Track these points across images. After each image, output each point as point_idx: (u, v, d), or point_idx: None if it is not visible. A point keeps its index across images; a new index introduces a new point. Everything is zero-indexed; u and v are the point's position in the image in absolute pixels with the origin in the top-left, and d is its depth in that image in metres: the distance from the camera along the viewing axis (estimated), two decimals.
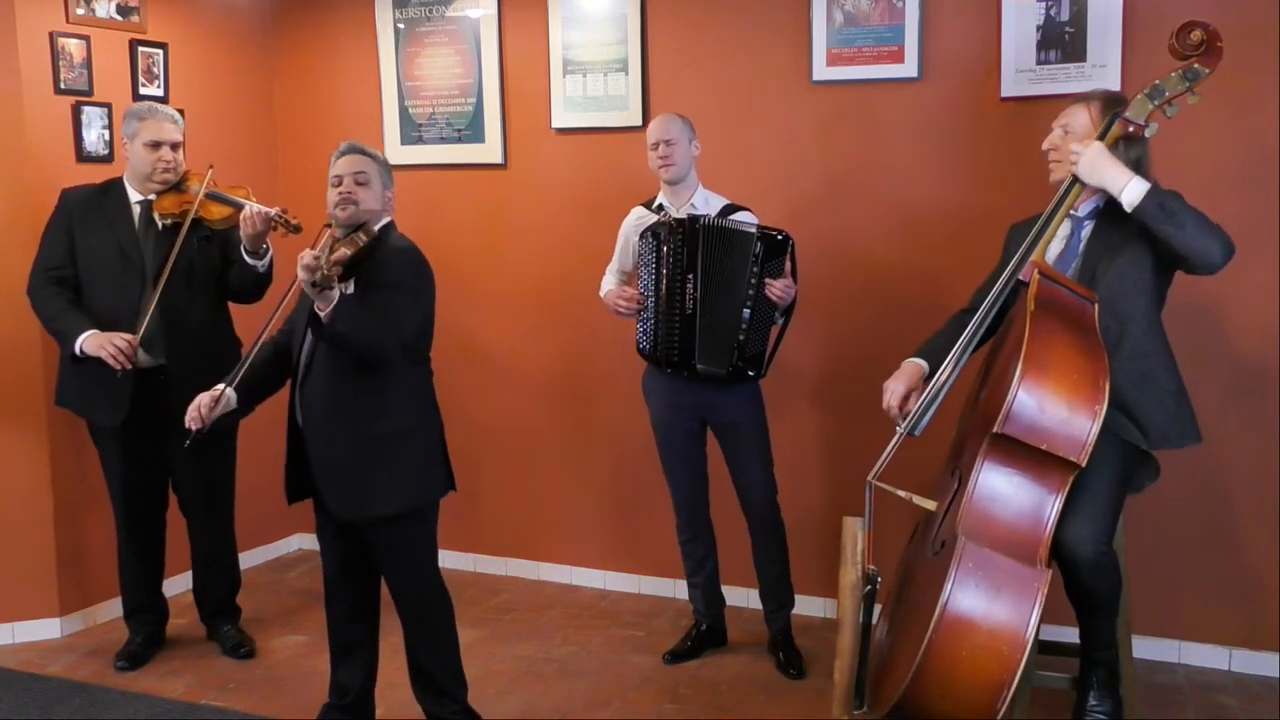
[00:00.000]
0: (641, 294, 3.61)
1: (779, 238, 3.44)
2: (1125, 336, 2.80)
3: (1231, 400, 3.57)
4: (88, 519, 4.12)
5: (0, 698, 3.58)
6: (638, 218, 3.71)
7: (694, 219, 3.50)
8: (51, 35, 3.98)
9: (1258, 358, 3.55)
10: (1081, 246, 2.88)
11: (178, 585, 4.25)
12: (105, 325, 3.55)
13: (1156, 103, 2.79)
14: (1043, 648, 3.11)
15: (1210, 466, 3.59)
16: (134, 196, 3.68)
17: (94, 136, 4.12)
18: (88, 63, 4.09)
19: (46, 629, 4.04)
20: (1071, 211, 2.86)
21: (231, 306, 3.86)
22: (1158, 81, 2.81)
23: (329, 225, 3.00)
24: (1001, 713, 2.47)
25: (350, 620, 3.14)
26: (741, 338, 3.46)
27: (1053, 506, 2.60)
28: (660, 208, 3.62)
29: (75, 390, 3.70)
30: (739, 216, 3.54)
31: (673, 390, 3.64)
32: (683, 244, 3.49)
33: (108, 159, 4.15)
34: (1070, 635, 3.01)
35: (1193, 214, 2.69)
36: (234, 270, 3.69)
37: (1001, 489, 2.62)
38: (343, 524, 3.02)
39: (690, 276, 3.49)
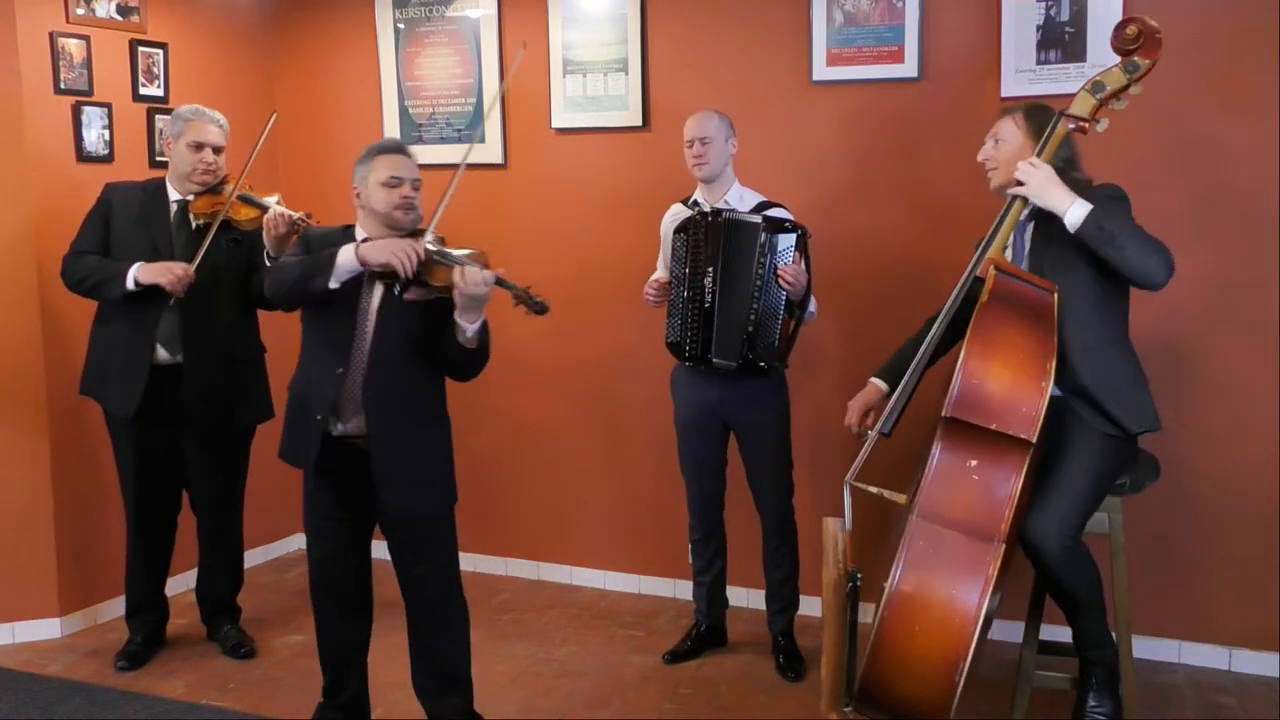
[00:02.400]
0: (670, 285, 3.61)
1: (786, 225, 3.45)
2: (1076, 327, 2.81)
3: (1231, 400, 3.57)
4: (89, 518, 4.12)
5: (0, 698, 3.58)
6: (673, 214, 3.70)
7: (715, 213, 3.50)
8: (51, 35, 3.98)
9: (1260, 358, 3.55)
10: (1026, 247, 2.94)
11: (178, 585, 4.25)
12: (132, 322, 3.60)
13: (1099, 96, 2.84)
14: (1042, 648, 3.12)
15: (1210, 466, 3.59)
16: (173, 196, 3.71)
17: (94, 136, 4.12)
18: (88, 63, 4.09)
19: (46, 629, 4.04)
20: None
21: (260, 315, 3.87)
22: (1098, 77, 2.86)
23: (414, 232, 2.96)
24: (960, 686, 2.49)
25: (344, 616, 3.11)
26: (750, 328, 3.45)
27: (1011, 486, 2.61)
28: (695, 204, 3.63)
29: (95, 376, 3.73)
30: (771, 213, 3.52)
31: (697, 389, 3.63)
32: (705, 238, 3.50)
33: (108, 159, 4.15)
34: (1070, 635, 3.01)
35: (1131, 235, 2.71)
36: (257, 277, 3.69)
37: (955, 470, 2.65)
38: (359, 517, 3.03)
39: (710, 270, 3.49)
